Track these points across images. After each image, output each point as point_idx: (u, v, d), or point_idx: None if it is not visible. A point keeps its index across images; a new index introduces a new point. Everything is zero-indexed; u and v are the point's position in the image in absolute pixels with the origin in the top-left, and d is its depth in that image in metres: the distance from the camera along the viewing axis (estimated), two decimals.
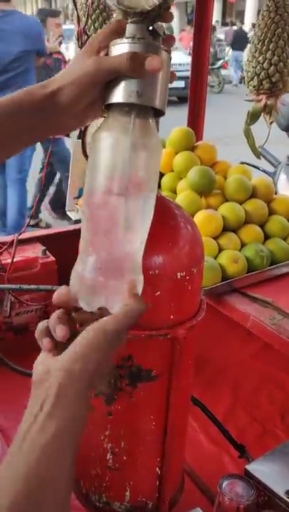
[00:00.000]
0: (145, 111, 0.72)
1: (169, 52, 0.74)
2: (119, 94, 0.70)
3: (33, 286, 1.23)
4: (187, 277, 0.90)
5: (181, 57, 11.58)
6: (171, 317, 0.90)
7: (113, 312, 0.68)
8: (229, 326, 1.53)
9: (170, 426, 0.98)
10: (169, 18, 0.72)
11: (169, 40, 0.75)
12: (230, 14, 22.98)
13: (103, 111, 0.75)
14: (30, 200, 4.22)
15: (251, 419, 1.48)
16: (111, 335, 0.63)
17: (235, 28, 19.02)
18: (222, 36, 18.34)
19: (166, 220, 0.91)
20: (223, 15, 22.68)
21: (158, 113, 0.75)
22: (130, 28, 0.71)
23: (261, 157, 2.68)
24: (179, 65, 11.02)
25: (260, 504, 1.08)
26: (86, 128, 1.09)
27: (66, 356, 0.61)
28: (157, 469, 1.01)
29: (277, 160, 2.76)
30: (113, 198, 0.70)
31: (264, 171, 2.60)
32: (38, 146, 4.11)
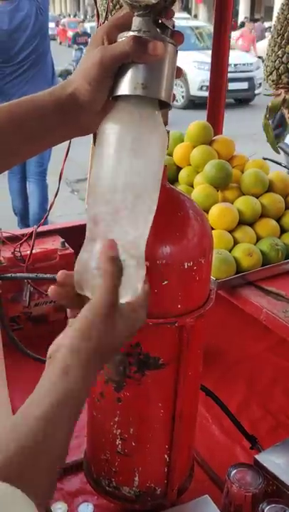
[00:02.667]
0: (151, 103, 0.74)
1: (175, 45, 0.75)
2: (125, 87, 0.72)
3: (49, 276, 1.26)
4: (195, 267, 0.91)
5: (245, 57, 11.27)
6: (179, 306, 0.92)
7: (121, 300, 0.70)
8: (245, 320, 1.54)
9: (178, 414, 1.00)
10: (169, 15, 0.73)
11: (177, 37, 0.76)
12: (258, 10, 22.78)
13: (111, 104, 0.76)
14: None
15: (265, 411, 1.49)
16: (105, 310, 0.65)
17: (265, 24, 18.85)
18: None
19: (175, 211, 0.93)
20: (252, 11, 22.49)
21: (164, 105, 0.77)
22: (136, 22, 0.72)
23: (284, 153, 2.66)
24: (243, 64, 10.66)
25: (269, 494, 1.09)
26: None
27: (70, 333, 0.64)
28: (166, 456, 1.03)
29: None
30: (118, 188, 0.72)
31: (285, 167, 2.58)
32: None
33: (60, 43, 24.13)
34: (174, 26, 0.78)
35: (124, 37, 0.73)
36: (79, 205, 5.27)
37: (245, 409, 1.48)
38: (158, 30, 0.74)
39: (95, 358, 0.64)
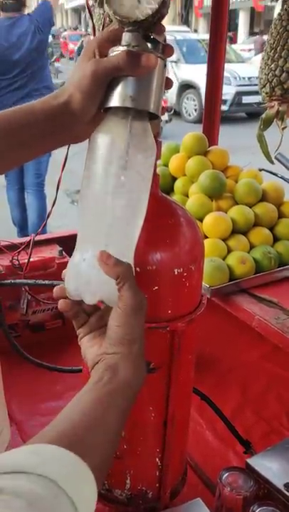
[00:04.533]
0: (140, 114, 0.77)
1: (164, 59, 0.78)
2: (115, 99, 0.75)
3: (47, 282, 1.29)
4: (185, 274, 0.94)
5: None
6: (169, 311, 0.94)
7: (110, 304, 0.74)
8: (240, 328, 1.56)
9: (170, 418, 1.02)
10: (159, 30, 0.77)
11: (167, 51, 0.79)
12: (258, 24, 22.96)
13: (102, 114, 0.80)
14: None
15: (258, 418, 1.51)
16: (135, 310, 0.71)
17: (264, 37, 19.01)
18: (252, 45, 18.40)
19: (166, 218, 0.96)
20: (251, 25, 22.68)
21: (153, 117, 0.80)
22: (126, 37, 0.76)
23: (281, 164, 2.70)
24: (257, 78, 10.68)
25: (260, 497, 1.11)
26: None
27: (112, 342, 0.72)
28: (157, 460, 1.05)
29: None
30: (108, 196, 0.75)
31: (282, 178, 2.61)
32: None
33: (61, 55, 24.34)
34: (165, 40, 0.81)
35: (116, 51, 0.76)
36: None
37: (239, 416, 1.50)
38: (148, 44, 0.78)
39: (139, 352, 0.72)
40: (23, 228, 4.25)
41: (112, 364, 0.69)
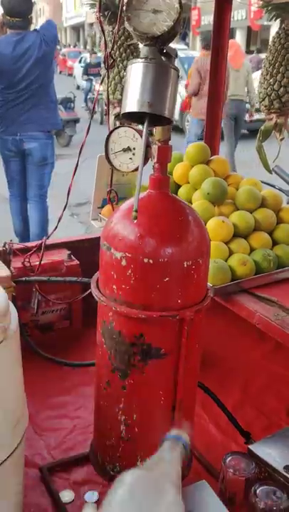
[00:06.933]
0: (156, 119, 0.86)
1: (177, 70, 0.88)
2: (133, 104, 0.85)
3: (59, 278, 1.37)
4: (193, 266, 1.02)
5: None
6: (179, 301, 1.03)
7: None
8: (242, 328, 1.64)
9: (178, 403, 1.10)
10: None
11: None
12: (254, 43, 23.28)
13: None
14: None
15: (258, 413, 1.58)
16: None
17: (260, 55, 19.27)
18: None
19: (176, 216, 1.04)
20: (248, 43, 22.96)
21: (168, 121, 0.89)
22: (144, 50, 0.85)
23: (278, 176, 2.80)
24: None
25: (261, 479, 1.18)
26: (110, 134, 1.20)
27: None
28: None
29: None
30: None
31: (280, 189, 2.71)
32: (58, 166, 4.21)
33: (60, 72, 24.66)
34: (176, 54, 0.91)
35: (134, 63, 0.85)
36: (79, 228, 5.39)
37: (240, 411, 1.57)
38: (162, 57, 0.87)
39: None
40: (24, 239, 4.32)
41: None
